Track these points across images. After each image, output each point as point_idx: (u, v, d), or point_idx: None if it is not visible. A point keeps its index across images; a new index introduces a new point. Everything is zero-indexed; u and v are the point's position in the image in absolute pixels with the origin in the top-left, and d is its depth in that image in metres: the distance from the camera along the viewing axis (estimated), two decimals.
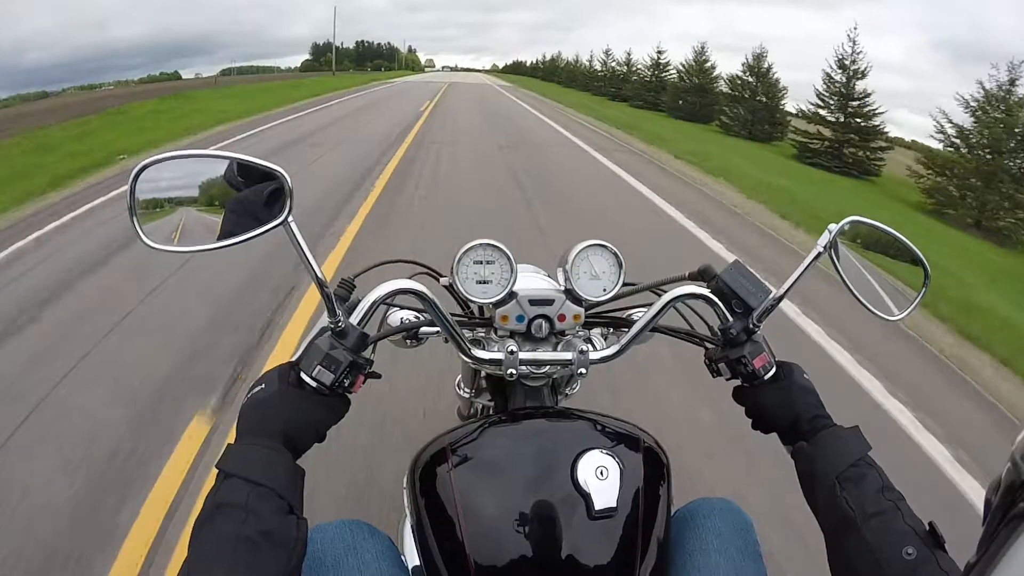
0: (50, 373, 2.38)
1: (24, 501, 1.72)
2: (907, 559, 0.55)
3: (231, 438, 0.61)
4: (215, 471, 0.57)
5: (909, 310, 0.78)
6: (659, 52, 31.25)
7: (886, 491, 0.61)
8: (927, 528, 0.58)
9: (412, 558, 0.71)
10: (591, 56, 46.52)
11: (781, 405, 0.72)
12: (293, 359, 0.67)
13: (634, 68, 34.94)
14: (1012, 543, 0.40)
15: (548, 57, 78.08)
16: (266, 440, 0.59)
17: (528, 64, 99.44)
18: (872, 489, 0.61)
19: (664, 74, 30.36)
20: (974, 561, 0.44)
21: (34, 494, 1.75)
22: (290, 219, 0.61)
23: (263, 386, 0.64)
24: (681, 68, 27.74)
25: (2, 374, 2.41)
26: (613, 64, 38.87)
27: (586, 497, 0.64)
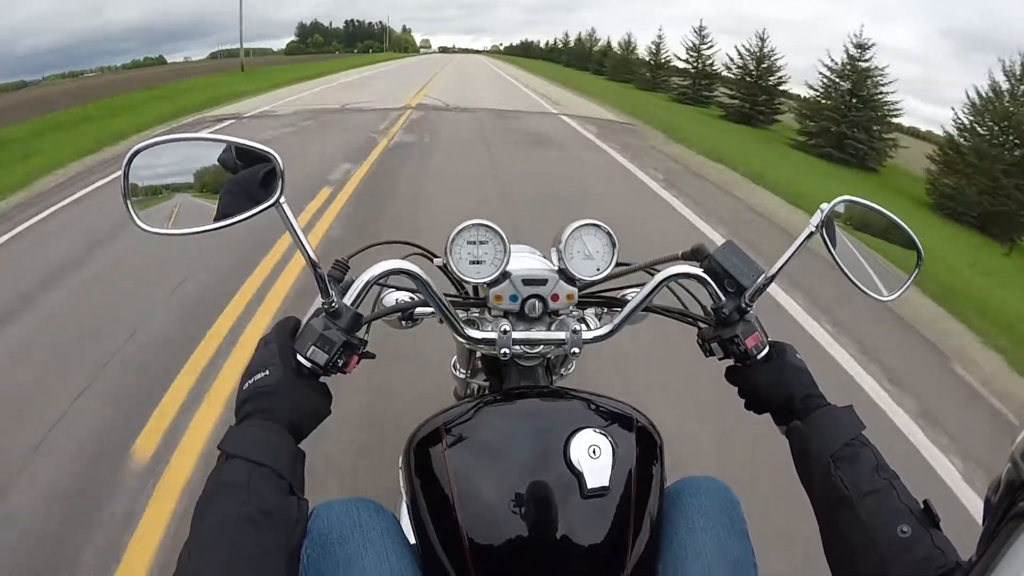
0: None
1: None
2: (902, 537, 0.56)
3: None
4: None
5: (901, 291, 0.78)
6: (860, 46, 17.28)
7: (880, 470, 0.62)
8: (921, 506, 0.58)
9: (409, 537, 0.72)
10: (659, 37, 29.70)
11: (774, 384, 0.72)
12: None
13: (768, 60, 21.38)
14: (1012, 543, 0.40)
15: (571, 37, 60.30)
16: (268, 423, 0.60)
17: (543, 45, 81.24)
18: (866, 468, 0.62)
19: (875, 93, 17.20)
20: (974, 560, 0.45)
21: None
22: (282, 200, 0.62)
23: (266, 372, 0.63)
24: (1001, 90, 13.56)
25: None
26: (711, 53, 24.54)
27: (579, 476, 0.64)
